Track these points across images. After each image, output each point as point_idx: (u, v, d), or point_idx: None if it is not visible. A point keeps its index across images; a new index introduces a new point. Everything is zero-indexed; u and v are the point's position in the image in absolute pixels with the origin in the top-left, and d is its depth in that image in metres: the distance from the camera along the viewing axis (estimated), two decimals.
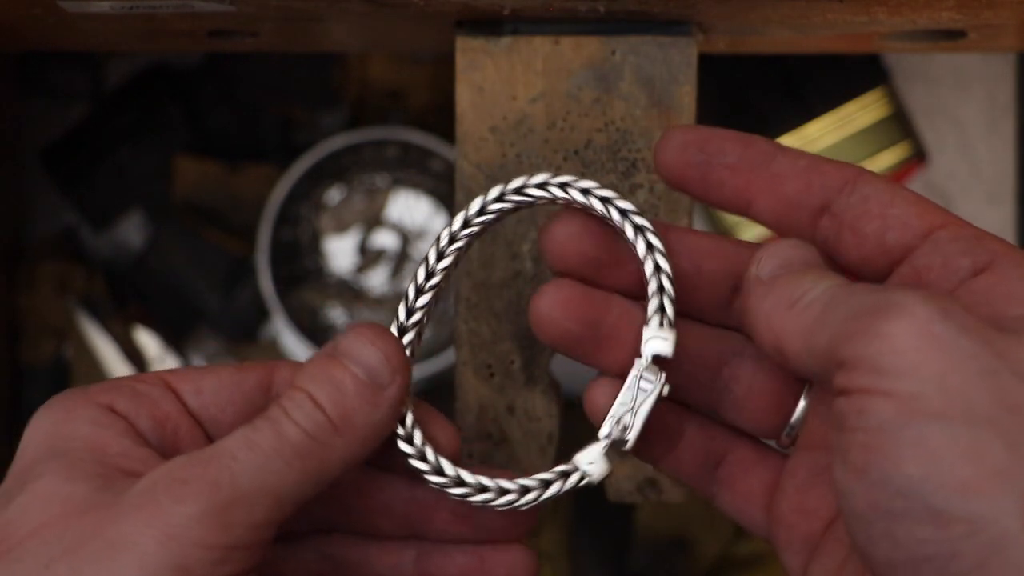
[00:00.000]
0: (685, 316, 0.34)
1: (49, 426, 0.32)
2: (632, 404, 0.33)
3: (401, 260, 0.66)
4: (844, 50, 0.48)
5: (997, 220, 0.66)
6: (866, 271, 0.31)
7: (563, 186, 0.34)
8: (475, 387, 0.41)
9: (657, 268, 0.33)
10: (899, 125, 0.65)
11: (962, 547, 0.24)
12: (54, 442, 0.31)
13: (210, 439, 0.34)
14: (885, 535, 0.25)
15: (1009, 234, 0.66)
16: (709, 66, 0.43)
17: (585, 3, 0.37)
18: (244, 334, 0.65)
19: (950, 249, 0.30)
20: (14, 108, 0.65)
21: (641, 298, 0.34)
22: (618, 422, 0.33)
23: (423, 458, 0.34)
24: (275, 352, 0.65)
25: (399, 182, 0.66)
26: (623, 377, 0.33)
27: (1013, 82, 0.66)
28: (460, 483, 0.34)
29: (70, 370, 0.65)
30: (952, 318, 0.26)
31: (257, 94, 0.66)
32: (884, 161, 0.66)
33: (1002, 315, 0.28)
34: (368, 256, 0.66)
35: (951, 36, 0.43)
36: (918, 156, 0.66)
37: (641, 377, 0.33)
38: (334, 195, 0.66)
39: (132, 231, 0.66)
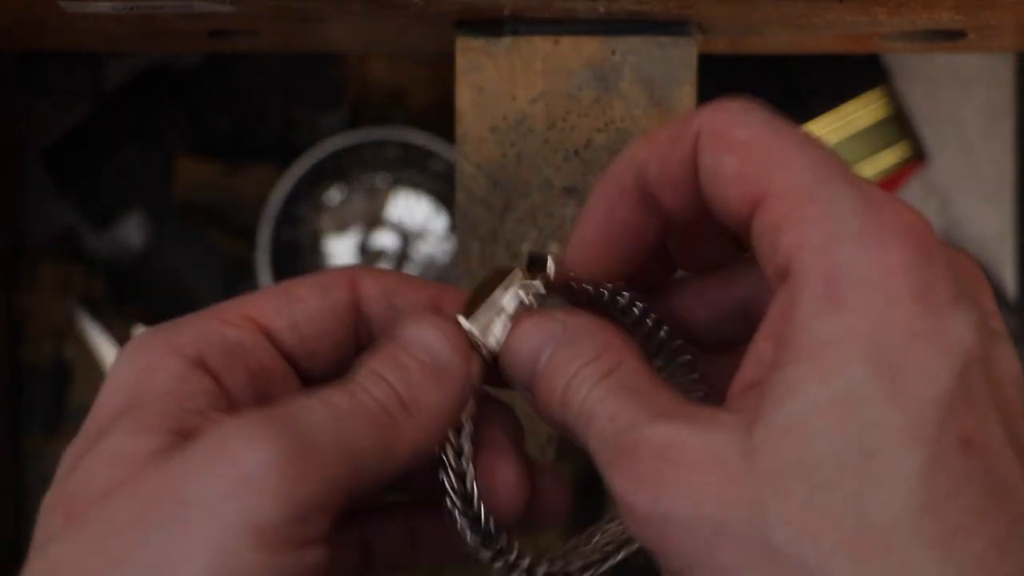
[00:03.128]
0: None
1: (129, 378, 0.30)
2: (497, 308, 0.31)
3: (401, 260, 0.66)
4: (844, 50, 0.48)
5: (996, 219, 0.66)
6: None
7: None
8: None
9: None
10: (899, 125, 0.65)
11: None
12: (130, 396, 0.29)
13: (303, 380, 0.32)
14: None
15: (1008, 233, 0.66)
16: (709, 66, 0.43)
17: (585, 3, 0.37)
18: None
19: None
20: (14, 108, 0.65)
21: None
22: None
23: (475, 520, 0.31)
24: None
25: (399, 182, 0.66)
26: None
27: (1012, 82, 0.67)
28: (499, 555, 0.31)
29: (71, 370, 0.65)
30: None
31: (257, 94, 0.66)
32: (884, 161, 0.66)
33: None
34: (368, 256, 0.66)
35: (950, 36, 0.43)
36: (917, 156, 0.66)
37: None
38: (334, 195, 0.66)
39: (132, 231, 0.66)
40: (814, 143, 0.28)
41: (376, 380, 0.30)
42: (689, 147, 0.28)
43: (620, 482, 0.27)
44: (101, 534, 0.26)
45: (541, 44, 0.40)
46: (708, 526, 0.25)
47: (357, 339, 0.33)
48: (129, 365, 0.30)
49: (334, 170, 0.65)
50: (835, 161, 0.27)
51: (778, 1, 0.37)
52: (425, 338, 0.31)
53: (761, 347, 0.27)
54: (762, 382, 0.26)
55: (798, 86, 0.63)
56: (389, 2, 0.37)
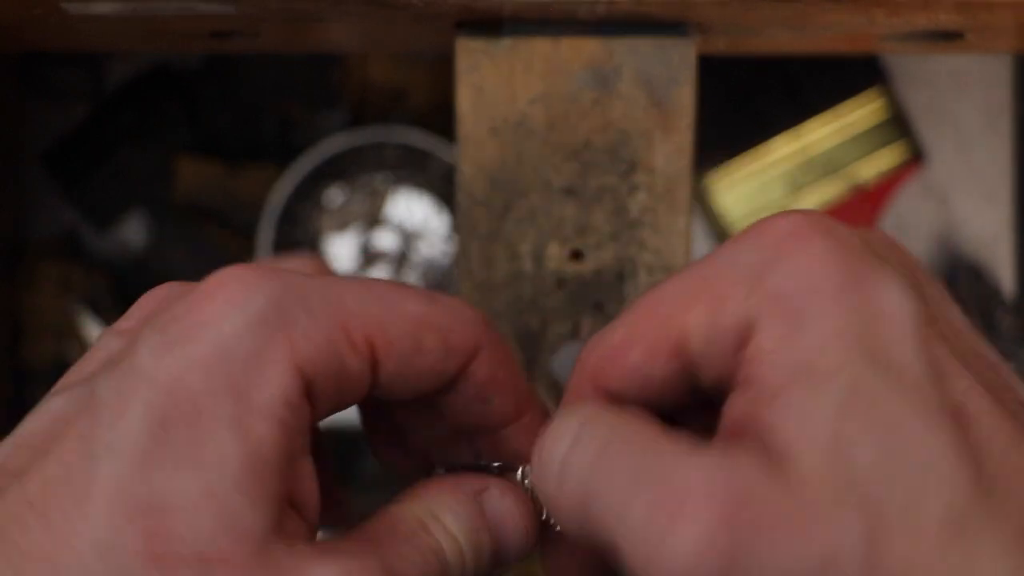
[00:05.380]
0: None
1: (235, 358, 0.26)
2: None
3: (401, 260, 0.67)
4: (843, 51, 0.48)
5: (994, 220, 0.66)
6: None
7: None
8: None
9: None
10: (897, 125, 0.66)
11: None
12: (234, 391, 0.26)
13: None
14: None
15: (1007, 233, 0.66)
16: (709, 66, 0.44)
17: (584, 4, 0.37)
18: None
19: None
20: (15, 109, 0.65)
21: None
22: None
23: None
24: None
25: (399, 182, 0.66)
26: None
27: (1010, 83, 0.67)
28: None
29: None
30: None
31: (258, 94, 0.66)
32: (882, 161, 0.66)
33: None
34: (369, 256, 0.66)
35: (949, 37, 0.43)
36: (916, 156, 0.66)
37: None
38: (334, 195, 0.66)
39: (133, 231, 0.66)
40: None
41: (456, 557, 0.29)
42: (675, 357, 0.28)
43: (673, 539, 0.23)
44: None
45: (541, 45, 0.40)
46: (803, 572, 0.23)
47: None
48: (239, 337, 0.26)
49: (334, 170, 0.65)
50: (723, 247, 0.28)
51: (777, 2, 0.37)
52: (511, 542, 0.30)
53: (737, 400, 0.26)
54: (755, 416, 0.25)
55: (797, 86, 0.64)
56: (389, 3, 0.38)
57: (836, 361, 0.24)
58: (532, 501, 0.31)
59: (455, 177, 0.41)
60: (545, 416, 0.32)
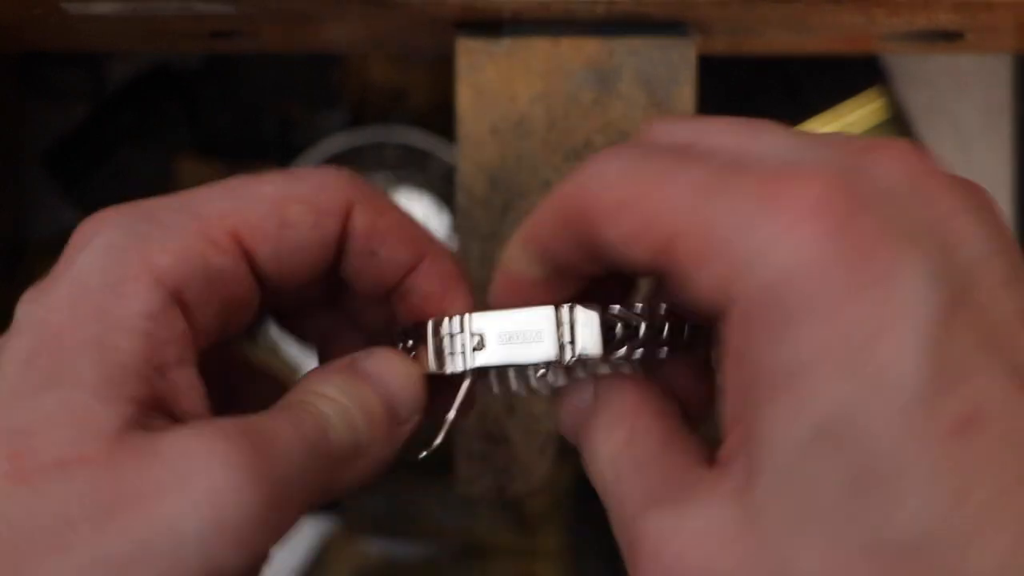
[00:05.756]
0: None
1: (95, 289, 0.27)
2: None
3: None
4: (842, 51, 0.48)
5: None
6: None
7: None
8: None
9: None
10: (897, 125, 0.66)
11: None
12: (97, 320, 0.26)
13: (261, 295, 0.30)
14: None
15: None
16: (709, 66, 0.44)
17: (584, 4, 0.37)
18: (245, 336, 0.65)
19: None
20: (15, 109, 0.65)
21: None
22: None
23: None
24: (276, 356, 0.65)
25: (399, 182, 0.66)
26: None
27: (1010, 83, 0.67)
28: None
29: None
30: None
31: (258, 94, 0.66)
32: None
33: None
34: None
35: (948, 37, 0.43)
36: None
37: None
38: None
39: None
40: (678, 163, 0.25)
41: (343, 417, 0.29)
42: (580, 232, 0.27)
43: None
44: (59, 513, 0.25)
45: (541, 45, 0.40)
46: None
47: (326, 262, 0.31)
48: (95, 268, 0.27)
49: None
50: (708, 172, 0.24)
51: (777, 2, 0.37)
52: (392, 384, 0.30)
53: (732, 380, 0.24)
54: (745, 420, 0.24)
55: (797, 86, 0.64)
56: (389, 3, 0.38)
57: (820, 383, 0.22)
58: (424, 353, 0.30)
59: (455, 177, 0.41)
60: (446, 257, 0.31)
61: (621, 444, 0.28)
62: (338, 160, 0.64)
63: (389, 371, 0.30)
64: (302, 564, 0.62)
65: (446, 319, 0.30)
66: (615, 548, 0.26)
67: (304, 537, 0.62)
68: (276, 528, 0.26)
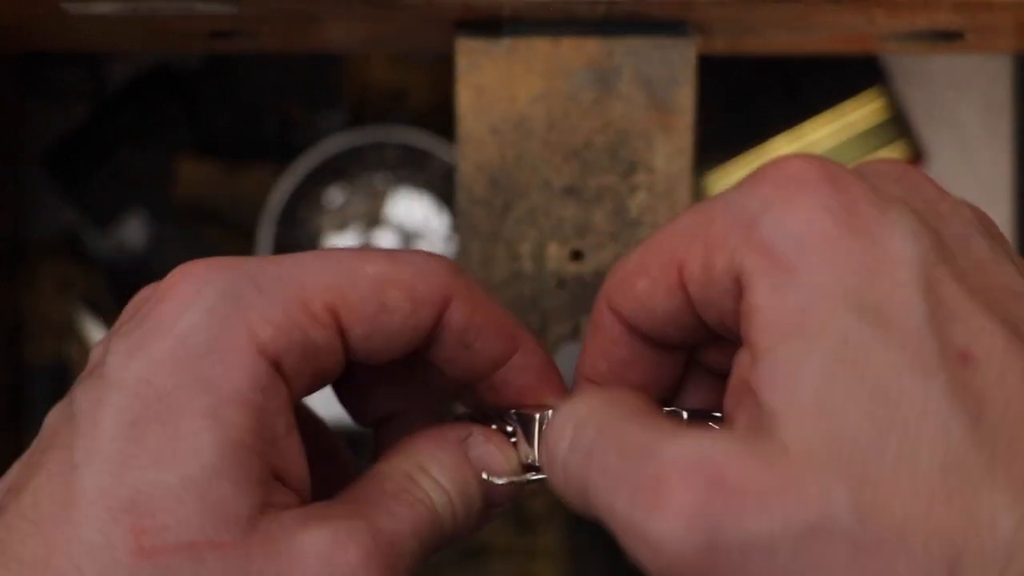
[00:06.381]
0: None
1: (199, 356, 0.26)
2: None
3: None
4: (842, 51, 0.48)
5: (994, 219, 0.66)
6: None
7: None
8: None
9: None
10: (897, 125, 0.66)
11: None
12: (205, 387, 0.26)
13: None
14: None
15: (1007, 233, 0.66)
16: (709, 66, 0.44)
17: (584, 4, 0.37)
18: None
19: None
20: (15, 109, 0.65)
21: None
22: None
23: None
24: None
25: (399, 182, 0.66)
26: None
27: (1010, 83, 0.67)
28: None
29: (71, 370, 0.65)
30: None
31: (258, 94, 0.66)
32: None
33: None
34: None
35: (948, 37, 0.43)
36: (916, 156, 0.66)
37: None
38: (334, 195, 0.66)
39: (133, 231, 0.66)
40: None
41: (447, 507, 0.29)
42: (677, 292, 0.28)
43: (655, 523, 0.24)
44: None
45: (541, 45, 0.40)
46: (788, 541, 0.23)
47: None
48: (198, 333, 0.27)
49: (334, 170, 0.65)
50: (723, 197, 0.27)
51: (777, 2, 0.37)
52: (498, 485, 0.31)
53: (743, 357, 0.26)
54: (748, 378, 0.25)
55: (797, 87, 0.64)
56: (389, 3, 0.38)
57: (825, 318, 0.24)
58: (523, 442, 0.31)
59: (455, 177, 0.41)
60: (537, 352, 0.32)
61: (598, 408, 0.28)
62: (338, 160, 0.64)
63: (495, 464, 0.31)
64: None
65: (549, 412, 0.31)
66: (615, 548, 0.26)
67: None
68: None
